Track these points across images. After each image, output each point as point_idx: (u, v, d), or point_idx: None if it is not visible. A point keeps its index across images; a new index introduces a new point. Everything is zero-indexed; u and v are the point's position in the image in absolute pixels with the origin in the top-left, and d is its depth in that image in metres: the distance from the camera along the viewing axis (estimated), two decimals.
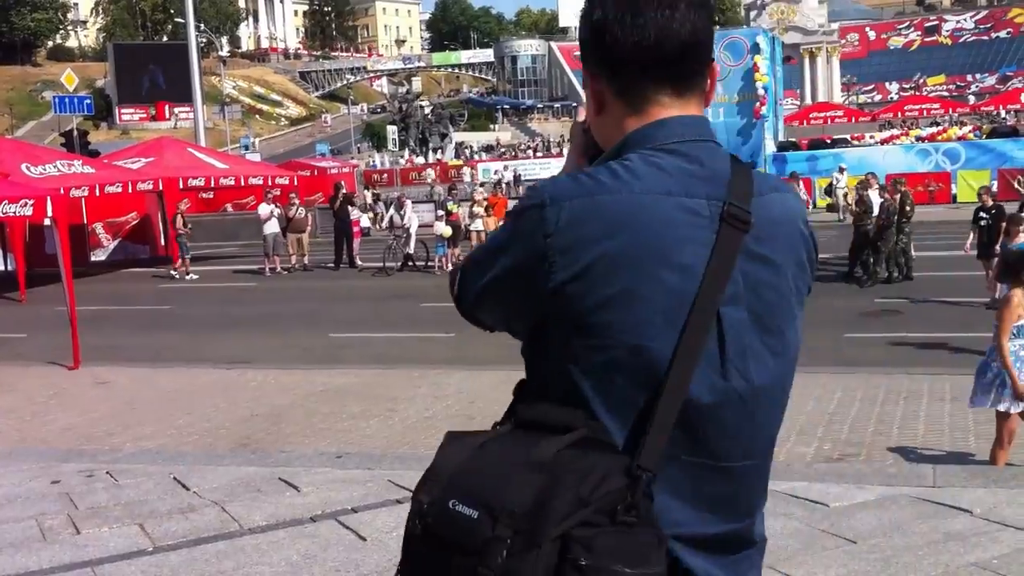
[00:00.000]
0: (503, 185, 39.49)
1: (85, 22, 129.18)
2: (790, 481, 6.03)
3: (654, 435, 1.61)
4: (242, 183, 31.21)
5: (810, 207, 29.01)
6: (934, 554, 4.83)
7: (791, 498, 5.72)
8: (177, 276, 26.37)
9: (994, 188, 34.05)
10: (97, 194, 25.62)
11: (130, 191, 27.59)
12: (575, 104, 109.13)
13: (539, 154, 75.39)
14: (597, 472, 1.54)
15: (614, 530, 1.52)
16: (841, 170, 31.81)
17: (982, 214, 17.26)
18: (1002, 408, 7.37)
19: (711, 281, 1.65)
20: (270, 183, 30.51)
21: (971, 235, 17.83)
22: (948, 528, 5.15)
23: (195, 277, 26.44)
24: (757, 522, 1.79)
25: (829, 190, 31.83)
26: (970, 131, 47.64)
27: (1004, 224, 15.85)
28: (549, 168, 58.91)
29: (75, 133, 36.53)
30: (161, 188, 28.70)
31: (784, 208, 1.78)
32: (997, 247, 15.71)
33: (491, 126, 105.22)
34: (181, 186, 29.40)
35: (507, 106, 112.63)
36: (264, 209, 26.88)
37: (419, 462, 7.32)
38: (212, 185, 31.40)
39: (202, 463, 7.84)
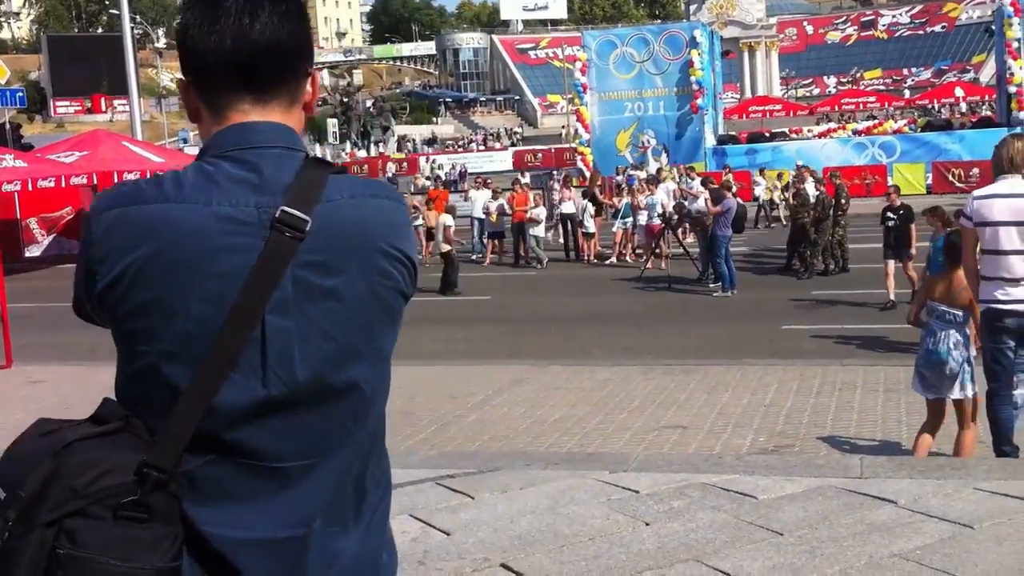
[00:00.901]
0: (442, 178, 39.40)
1: (18, 14, 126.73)
2: (721, 474, 6.08)
3: (166, 436, 1.63)
4: None
5: (750, 201, 29.13)
6: (859, 545, 4.89)
7: (721, 491, 5.77)
8: None
9: (929, 180, 34.78)
10: (30, 188, 25.16)
11: (64, 185, 27.11)
12: (517, 97, 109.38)
13: (481, 148, 75.25)
14: (103, 466, 1.58)
15: (111, 524, 1.56)
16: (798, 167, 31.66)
17: (889, 214, 16.60)
18: (958, 396, 7.52)
19: (251, 289, 1.66)
20: None
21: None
22: (873, 519, 5.22)
23: None
24: (330, 537, 1.76)
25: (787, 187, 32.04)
26: (905, 124, 48.38)
27: (912, 225, 15.91)
28: (492, 161, 58.97)
29: (7, 127, 35.89)
30: (96, 182, 28.24)
31: (358, 214, 1.77)
32: (912, 250, 15.80)
33: (433, 119, 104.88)
34: (116, 180, 28.93)
35: (449, 99, 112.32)
36: None
37: None
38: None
39: None
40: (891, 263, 16.09)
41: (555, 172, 37.47)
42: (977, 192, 7.32)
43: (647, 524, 5.31)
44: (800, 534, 5.05)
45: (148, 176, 1.87)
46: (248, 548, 1.67)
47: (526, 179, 32.95)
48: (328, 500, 1.74)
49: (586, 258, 24.31)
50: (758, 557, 4.79)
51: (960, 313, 7.47)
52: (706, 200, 19.90)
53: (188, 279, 1.66)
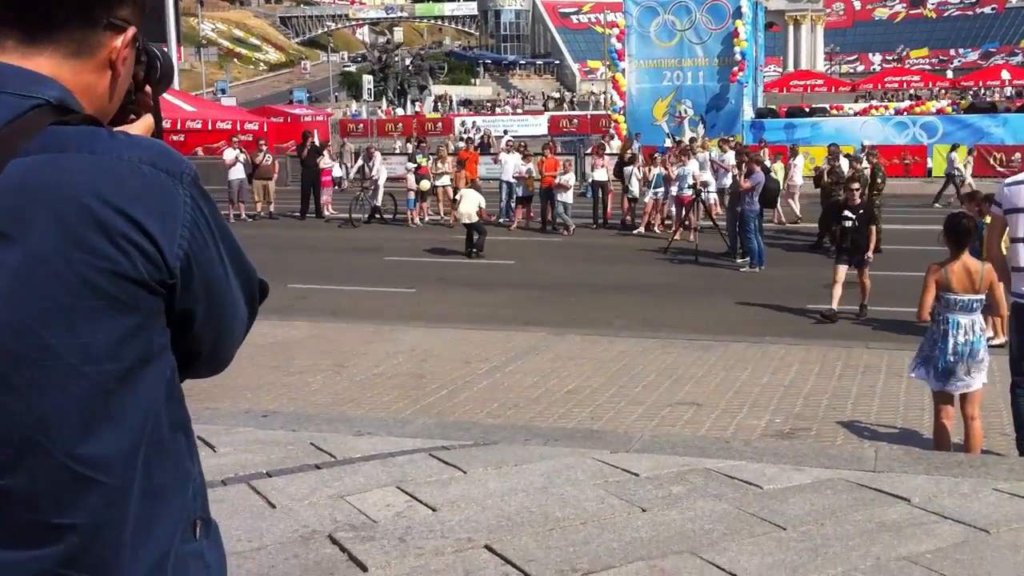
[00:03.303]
0: (474, 140, 39.03)
1: None
2: (727, 460, 5.80)
3: None
4: (209, 127, 30.70)
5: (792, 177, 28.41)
6: (865, 545, 4.59)
7: (725, 478, 5.48)
8: None
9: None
10: None
11: None
12: (557, 62, 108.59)
13: (519, 111, 74.69)
14: None
15: None
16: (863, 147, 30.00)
17: (847, 212, 14.17)
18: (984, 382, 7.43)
19: None
20: (239, 128, 30.06)
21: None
22: (883, 517, 4.91)
23: None
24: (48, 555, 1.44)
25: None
26: (948, 105, 47.51)
27: (873, 227, 14.24)
28: (527, 125, 58.53)
29: None
30: None
31: (60, 174, 1.41)
32: (870, 254, 14.11)
33: (472, 80, 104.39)
34: None
35: (489, 61, 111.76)
36: (229, 154, 26.40)
37: (347, 424, 7.07)
38: (179, 128, 30.83)
39: None
40: (842, 268, 14.05)
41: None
42: (1009, 179, 6.99)
43: (643, 510, 5.03)
44: (804, 530, 4.76)
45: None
46: None
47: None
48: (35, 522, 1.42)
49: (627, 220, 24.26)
50: (756, 552, 4.51)
51: (983, 297, 7.21)
52: (735, 174, 19.53)
53: None
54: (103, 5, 1.51)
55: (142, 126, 1.65)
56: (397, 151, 35.27)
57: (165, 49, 1.78)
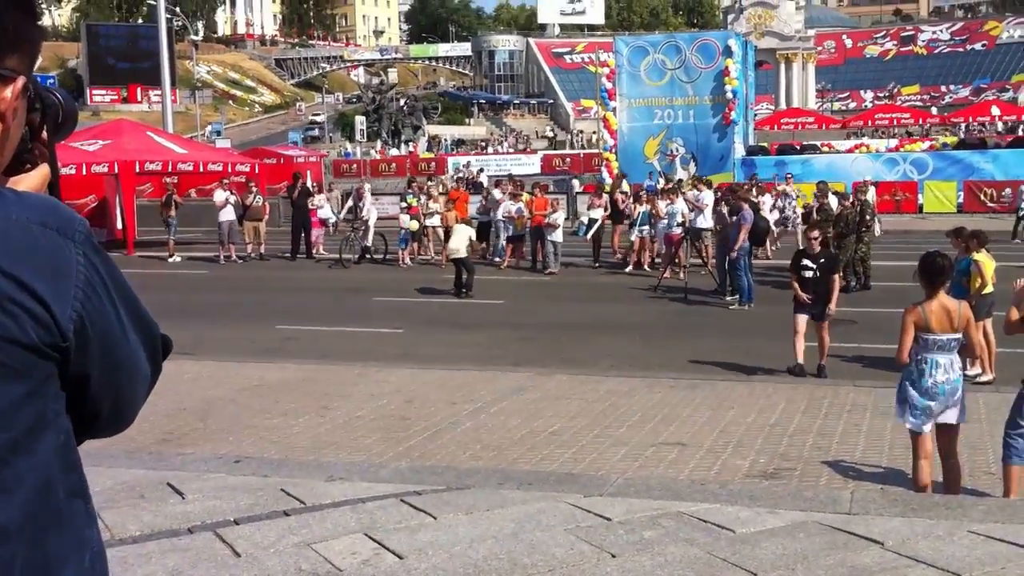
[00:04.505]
0: (464, 180, 39.06)
1: (60, 1, 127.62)
2: (701, 503, 5.73)
3: None
4: (201, 169, 30.66)
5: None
6: None
7: (698, 522, 5.41)
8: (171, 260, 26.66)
9: (960, 199, 34.15)
10: None
11: (85, 173, 27.14)
12: (550, 101, 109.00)
13: (511, 150, 74.86)
14: None
15: None
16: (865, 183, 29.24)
17: (807, 261, 12.77)
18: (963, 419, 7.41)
19: None
20: (230, 170, 30.06)
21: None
22: (855, 561, 4.84)
23: (177, 260, 26.80)
24: None
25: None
26: (939, 143, 47.64)
27: (835, 277, 12.88)
28: (521, 164, 58.66)
29: None
30: (117, 171, 28.21)
31: None
32: (832, 306, 12.68)
33: (466, 120, 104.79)
34: (138, 170, 28.89)
35: (483, 100, 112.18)
36: (219, 196, 26.46)
37: (320, 469, 7.00)
38: (170, 170, 30.81)
39: (91, 463, 7.46)
40: (802, 318, 12.69)
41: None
42: None
43: (613, 556, 4.96)
44: (775, 575, 4.69)
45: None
46: None
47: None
48: None
49: (620, 257, 24.32)
50: None
51: (960, 336, 7.17)
52: (721, 212, 19.52)
53: None
54: None
55: (38, 177, 1.60)
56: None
57: (66, 93, 1.72)
